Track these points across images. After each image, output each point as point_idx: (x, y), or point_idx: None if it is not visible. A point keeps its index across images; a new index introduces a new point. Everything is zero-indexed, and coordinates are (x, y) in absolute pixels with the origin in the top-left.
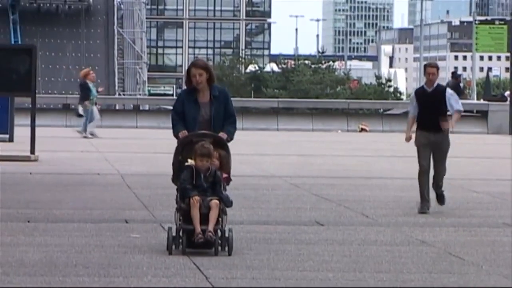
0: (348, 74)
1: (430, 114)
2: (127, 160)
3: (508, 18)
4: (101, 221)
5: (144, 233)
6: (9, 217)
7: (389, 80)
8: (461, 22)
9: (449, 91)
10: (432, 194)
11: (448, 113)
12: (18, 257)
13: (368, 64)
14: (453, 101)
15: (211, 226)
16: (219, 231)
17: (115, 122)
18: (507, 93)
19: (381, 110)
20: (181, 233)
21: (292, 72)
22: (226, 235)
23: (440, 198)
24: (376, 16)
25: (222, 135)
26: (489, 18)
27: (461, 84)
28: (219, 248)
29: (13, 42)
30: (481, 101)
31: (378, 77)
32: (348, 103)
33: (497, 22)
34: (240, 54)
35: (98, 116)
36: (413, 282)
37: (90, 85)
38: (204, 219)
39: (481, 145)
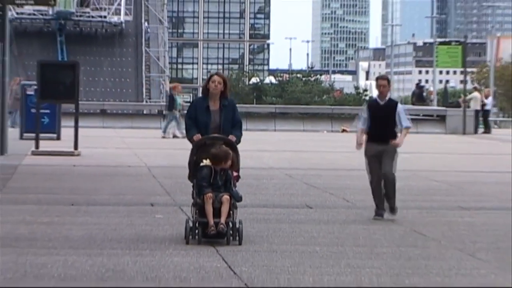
0: (332, 86)
1: (380, 127)
2: (152, 155)
3: (462, 40)
4: (131, 204)
5: (166, 214)
6: (57, 201)
7: (365, 90)
8: (424, 43)
9: (400, 106)
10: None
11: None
12: (64, 233)
13: (349, 77)
14: (403, 118)
15: (223, 219)
16: (230, 223)
17: (143, 124)
18: (460, 100)
19: (359, 114)
20: (197, 225)
21: (286, 83)
22: (237, 226)
23: (393, 210)
24: (355, 38)
25: (232, 137)
26: (447, 40)
27: (424, 93)
28: (231, 238)
29: (60, 59)
30: (440, 107)
31: (356, 88)
32: (332, 109)
33: (453, 43)
34: (244, 69)
35: (177, 122)
36: (385, 255)
37: (176, 96)
38: (217, 213)
39: (440, 143)
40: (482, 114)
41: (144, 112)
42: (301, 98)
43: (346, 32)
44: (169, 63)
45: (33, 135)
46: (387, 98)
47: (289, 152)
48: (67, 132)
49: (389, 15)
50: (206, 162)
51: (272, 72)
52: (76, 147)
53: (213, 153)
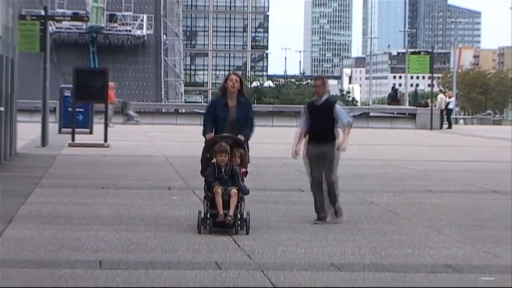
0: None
1: (319, 127)
2: (169, 147)
3: (429, 50)
4: (152, 188)
5: (181, 196)
6: (90, 185)
7: (348, 92)
8: (398, 53)
9: (337, 105)
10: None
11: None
12: (95, 212)
13: (334, 82)
14: (343, 115)
15: (231, 211)
16: (238, 215)
17: (161, 120)
18: (439, 97)
19: None
20: (208, 216)
21: (282, 87)
22: (244, 217)
23: (337, 213)
24: (340, 48)
25: (240, 137)
26: (417, 50)
27: (398, 95)
28: (239, 228)
29: (92, 66)
30: (411, 107)
31: (341, 90)
32: None
33: (422, 53)
34: (247, 75)
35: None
36: (364, 230)
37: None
38: (226, 205)
39: (411, 137)
40: (446, 113)
41: (163, 110)
42: (294, 99)
43: (332, 44)
44: (184, 69)
45: (70, 129)
46: (323, 98)
47: (284, 144)
48: (98, 127)
49: (368, 29)
50: (214, 160)
51: (270, 77)
52: (105, 140)
53: (214, 150)
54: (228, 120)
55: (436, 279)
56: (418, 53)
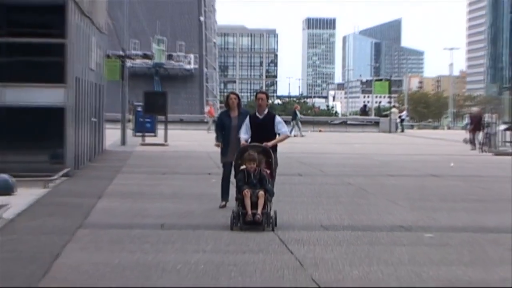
0: (314, 104)
1: (261, 138)
2: (209, 145)
3: (388, 77)
4: (198, 174)
5: (217, 180)
6: (155, 171)
7: (332, 107)
8: (366, 80)
9: (277, 118)
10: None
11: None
12: (159, 190)
13: (322, 100)
14: (281, 126)
15: (259, 210)
16: (265, 214)
17: (203, 127)
18: (393, 110)
19: (329, 121)
20: (239, 215)
21: (287, 103)
22: (271, 215)
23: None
24: (326, 77)
25: (266, 145)
26: (380, 78)
27: (367, 109)
28: (265, 225)
29: (155, 90)
30: (376, 117)
31: (327, 106)
32: (313, 118)
33: (383, 80)
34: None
35: (300, 126)
36: (344, 202)
37: (297, 112)
38: (255, 205)
39: (376, 138)
40: (400, 121)
41: (204, 120)
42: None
43: (321, 74)
44: (219, 92)
45: (141, 133)
46: (265, 112)
47: (289, 144)
48: (160, 132)
49: (346, 63)
50: (243, 166)
51: (278, 97)
52: (165, 140)
53: (244, 158)
54: (231, 126)
55: (393, 235)
56: (381, 80)
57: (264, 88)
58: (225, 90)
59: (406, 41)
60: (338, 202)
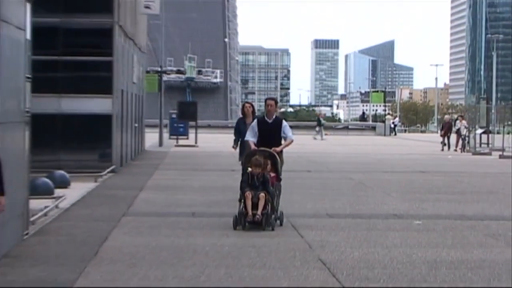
0: (320, 112)
1: (268, 141)
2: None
3: (383, 89)
4: (222, 170)
5: (239, 175)
6: (187, 168)
7: (336, 114)
8: (365, 91)
9: (284, 122)
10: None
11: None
12: (190, 184)
13: (328, 108)
14: (288, 131)
15: (259, 211)
16: (265, 215)
17: (228, 131)
18: (387, 117)
19: (333, 126)
20: (242, 215)
21: (298, 111)
22: (278, 215)
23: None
24: (331, 89)
25: (274, 150)
26: (376, 89)
27: (365, 116)
28: (265, 226)
29: (188, 100)
30: (373, 122)
31: (332, 114)
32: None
33: (379, 91)
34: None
35: (323, 132)
36: (346, 194)
37: (321, 119)
38: (256, 206)
39: (373, 140)
40: (394, 127)
41: (229, 125)
42: (305, 118)
43: (327, 86)
44: (241, 101)
45: (175, 137)
46: (274, 116)
47: (299, 145)
48: (191, 135)
49: (348, 77)
50: (250, 169)
51: (291, 106)
52: (196, 142)
53: (251, 161)
54: (246, 132)
55: (387, 222)
56: (377, 91)
57: (278, 99)
58: (246, 100)
59: (398, 59)
60: (341, 194)
